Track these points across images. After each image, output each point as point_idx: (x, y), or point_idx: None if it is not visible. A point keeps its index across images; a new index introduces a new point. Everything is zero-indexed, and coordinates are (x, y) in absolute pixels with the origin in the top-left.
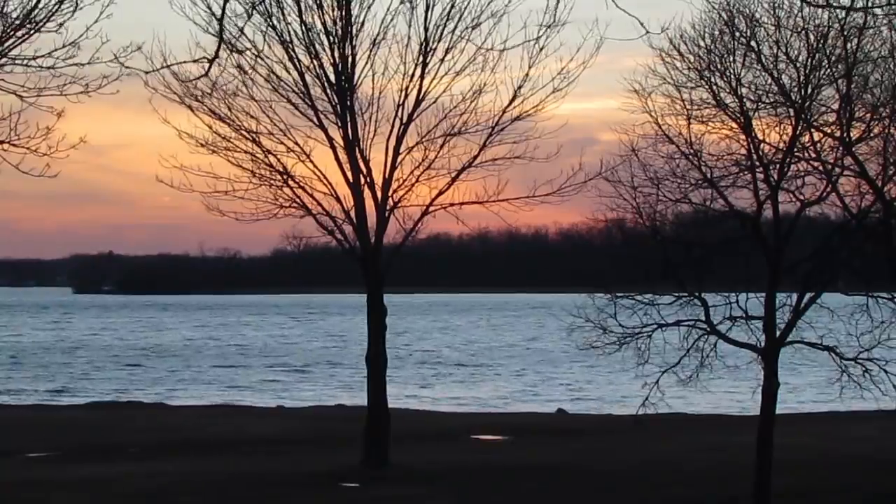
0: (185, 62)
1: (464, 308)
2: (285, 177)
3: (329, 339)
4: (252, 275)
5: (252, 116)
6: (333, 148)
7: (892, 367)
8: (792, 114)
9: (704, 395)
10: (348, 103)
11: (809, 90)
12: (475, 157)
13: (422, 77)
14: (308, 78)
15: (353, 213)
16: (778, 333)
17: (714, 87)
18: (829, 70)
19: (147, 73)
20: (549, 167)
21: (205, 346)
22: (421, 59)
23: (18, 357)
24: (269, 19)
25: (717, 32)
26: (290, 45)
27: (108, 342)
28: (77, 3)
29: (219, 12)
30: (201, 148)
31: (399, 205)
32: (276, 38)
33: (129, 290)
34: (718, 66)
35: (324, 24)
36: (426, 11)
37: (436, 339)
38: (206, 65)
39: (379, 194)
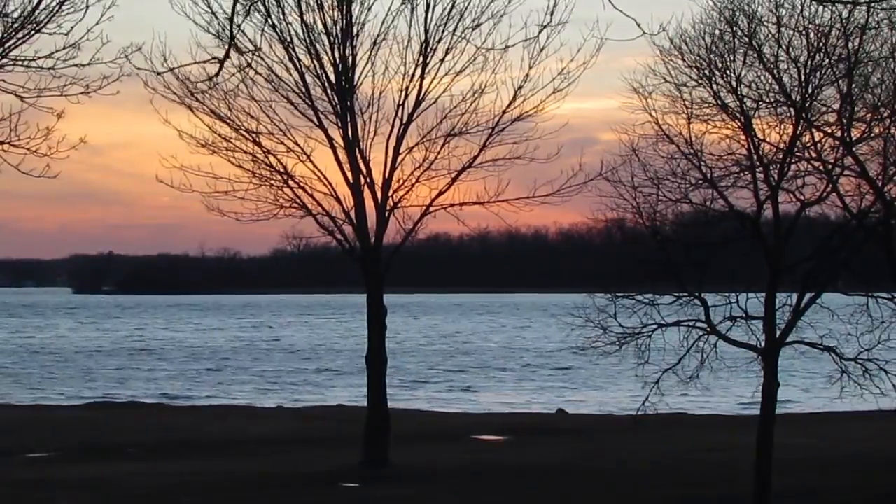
0: (191, 64)
1: (468, 309)
2: (285, 177)
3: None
4: (252, 275)
5: (252, 116)
6: (333, 148)
7: (892, 367)
8: (792, 113)
9: (704, 395)
10: (348, 103)
11: (810, 90)
12: (475, 158)
13: (422, 77)
14: (308, 78)
15: (353, 214)
16: (778, 333)
17: (714, 87)
18: (830, 70)
19: (157, 74)
20: (550, 167)
21: (269, 348)
22: (421, 59)
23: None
24: (268, 19)
25: (717, 31)
26: (291, 45)
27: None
28: (87, 4)
29: (220, 12)
30: (202, 148)
31: (399, 205)
32: (277, 38)
33: (128, 291)
34: (719, 65)
35: (324, 24)
36: (426, 12)
37: (464, 339)
38: (215, 67)
39: (379, 194)
